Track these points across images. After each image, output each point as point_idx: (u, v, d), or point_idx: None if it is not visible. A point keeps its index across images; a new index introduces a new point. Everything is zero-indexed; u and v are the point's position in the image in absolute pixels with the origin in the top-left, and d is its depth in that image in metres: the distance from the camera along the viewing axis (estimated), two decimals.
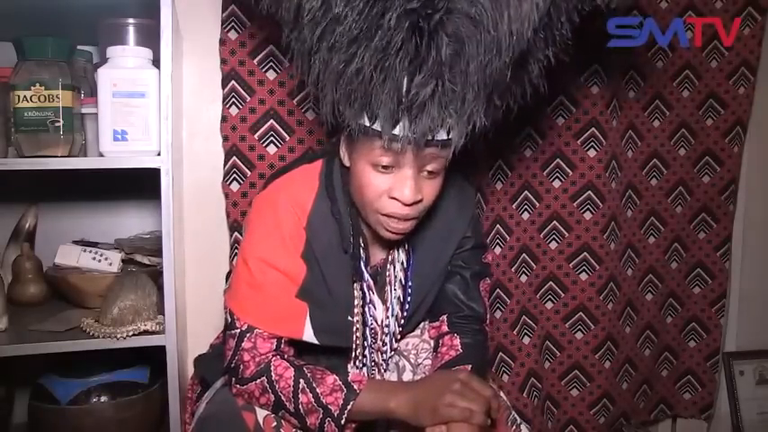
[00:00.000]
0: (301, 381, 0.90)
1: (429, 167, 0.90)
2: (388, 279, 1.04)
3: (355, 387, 0.89)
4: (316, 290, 0.97)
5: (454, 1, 0.81)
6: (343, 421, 0.88)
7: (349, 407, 0.88)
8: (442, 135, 0.87)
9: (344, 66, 0.82)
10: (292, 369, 0.91)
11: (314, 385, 0.89)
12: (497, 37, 0.82)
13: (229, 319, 0.96)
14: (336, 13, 0.79)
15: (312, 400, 0.89)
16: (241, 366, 0.93)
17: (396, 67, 0.81)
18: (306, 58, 0.87)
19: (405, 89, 0.82)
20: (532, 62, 0.90)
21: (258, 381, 0.91)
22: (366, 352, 1.03)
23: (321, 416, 0.88)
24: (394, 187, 0.88)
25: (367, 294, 1.00)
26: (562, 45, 0.92)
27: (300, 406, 0.89)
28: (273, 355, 0.94)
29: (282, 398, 0.90)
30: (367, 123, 0.86)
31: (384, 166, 0.88)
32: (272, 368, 0.91)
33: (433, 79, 0.82)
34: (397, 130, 0.84)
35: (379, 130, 0.85)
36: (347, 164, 0.95)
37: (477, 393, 0.86)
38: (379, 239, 1.01)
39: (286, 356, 0.95)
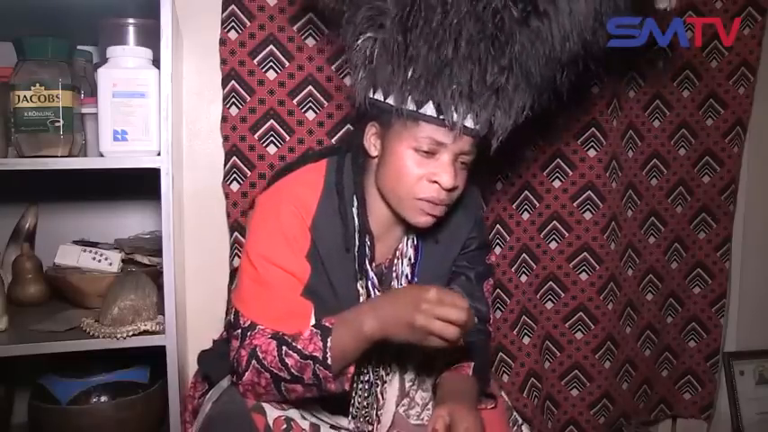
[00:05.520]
0: (283, 347, 0.89)
1: (464, 158, 0.95)
2: (394, 274, 1.04)
3: (327, 325, 0.89)
4: (321, 290, 0.97)
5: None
6: (329, 361, 0.87)
7: (329, 344, 0.87)
8: (485, 128, 0.94)
9: (432, 49, 0.88)
10: (274, 341, 0.90)
11: (294, 344, 0.89)
12: (561, 36, 0.90)
13: (233, 319, 0.96)
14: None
15: (298, 357, 0.88)
16: (238, 362, 0.92)
17: (480, 53, 0.88)
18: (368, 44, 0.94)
19: (477, 77, 0.89)
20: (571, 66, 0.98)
21: (251, 367, 0.90)
22: None
23: (312, 367, 0.88)
24: (435, 172, 0.93)
25: (371, 292, 1.00)
26: (596, 51, 1.00)
27: (292, 369, 0.88)
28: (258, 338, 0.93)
29: (275, 370, 0.89)
30: (414, 108, 0.91)
31: (425, 152, 0.92)
32: (257, 348, 0.90)
33: (508, 69, 0.90)
34: (454, 117, 0.90)
35: (432, 115, 0.91)
36: (374, 153, 0.98)
37: (451, 304, 0.85)
38: (387, 237, 1.02)
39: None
